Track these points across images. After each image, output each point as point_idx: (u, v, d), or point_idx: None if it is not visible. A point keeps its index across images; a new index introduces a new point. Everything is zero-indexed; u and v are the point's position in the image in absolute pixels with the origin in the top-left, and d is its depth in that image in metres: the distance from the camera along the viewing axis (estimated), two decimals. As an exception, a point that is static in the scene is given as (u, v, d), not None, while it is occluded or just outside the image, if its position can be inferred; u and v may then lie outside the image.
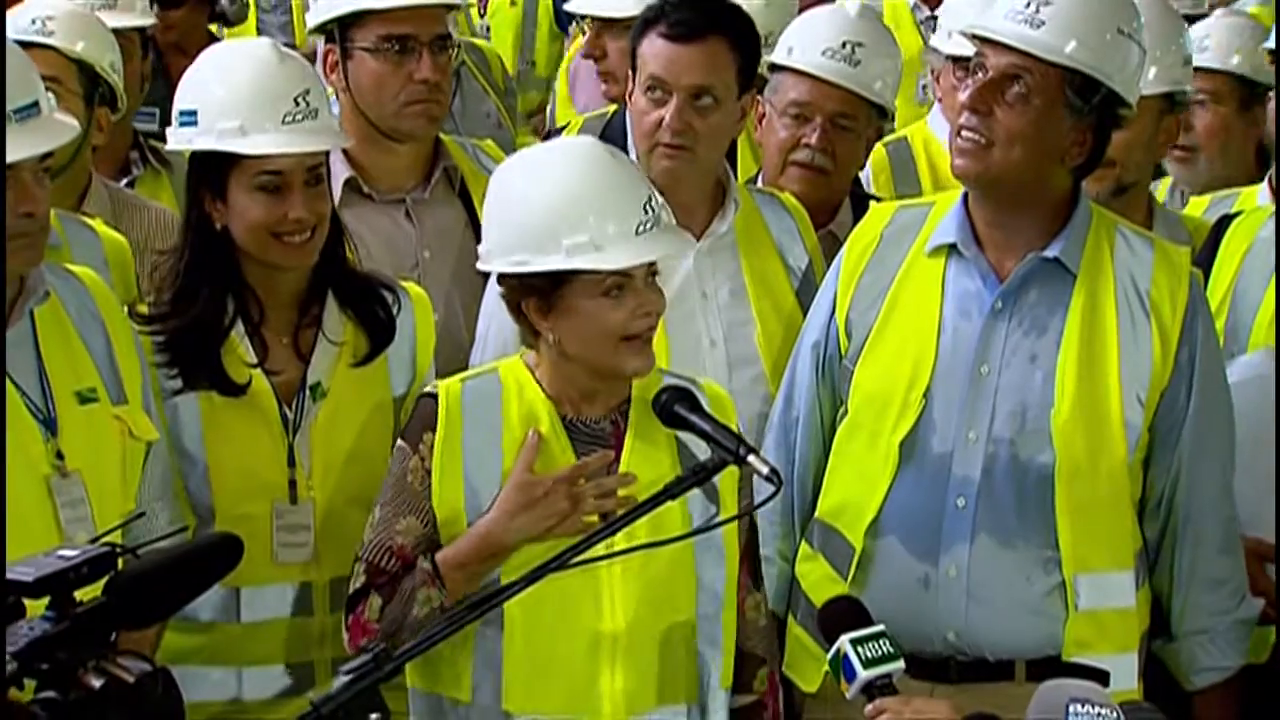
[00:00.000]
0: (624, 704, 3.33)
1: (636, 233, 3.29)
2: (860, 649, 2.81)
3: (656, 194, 3.37)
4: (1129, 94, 3.61)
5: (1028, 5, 3.54)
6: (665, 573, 3.34)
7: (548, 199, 3.34)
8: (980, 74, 3.56)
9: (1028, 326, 3.63)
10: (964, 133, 3.56)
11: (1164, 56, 4.28)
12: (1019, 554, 3.60)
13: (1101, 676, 3.57)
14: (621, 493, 3.33)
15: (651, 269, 3.32)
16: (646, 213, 3.30)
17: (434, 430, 3.42)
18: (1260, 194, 4.59)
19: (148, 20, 5.25)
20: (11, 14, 4.53)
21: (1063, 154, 3.59)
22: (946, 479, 3.61)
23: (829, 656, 2.84)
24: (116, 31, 4.86)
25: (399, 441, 3.49)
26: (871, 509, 3.64)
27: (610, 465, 3.38)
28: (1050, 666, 3.57)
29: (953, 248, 3.66)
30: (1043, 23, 3.52)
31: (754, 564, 3.53)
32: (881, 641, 2.82)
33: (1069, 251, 3.63)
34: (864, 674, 2.80)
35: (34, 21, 4.45)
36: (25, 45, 4.02)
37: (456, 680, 3.42)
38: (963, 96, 3.58)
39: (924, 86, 5.92)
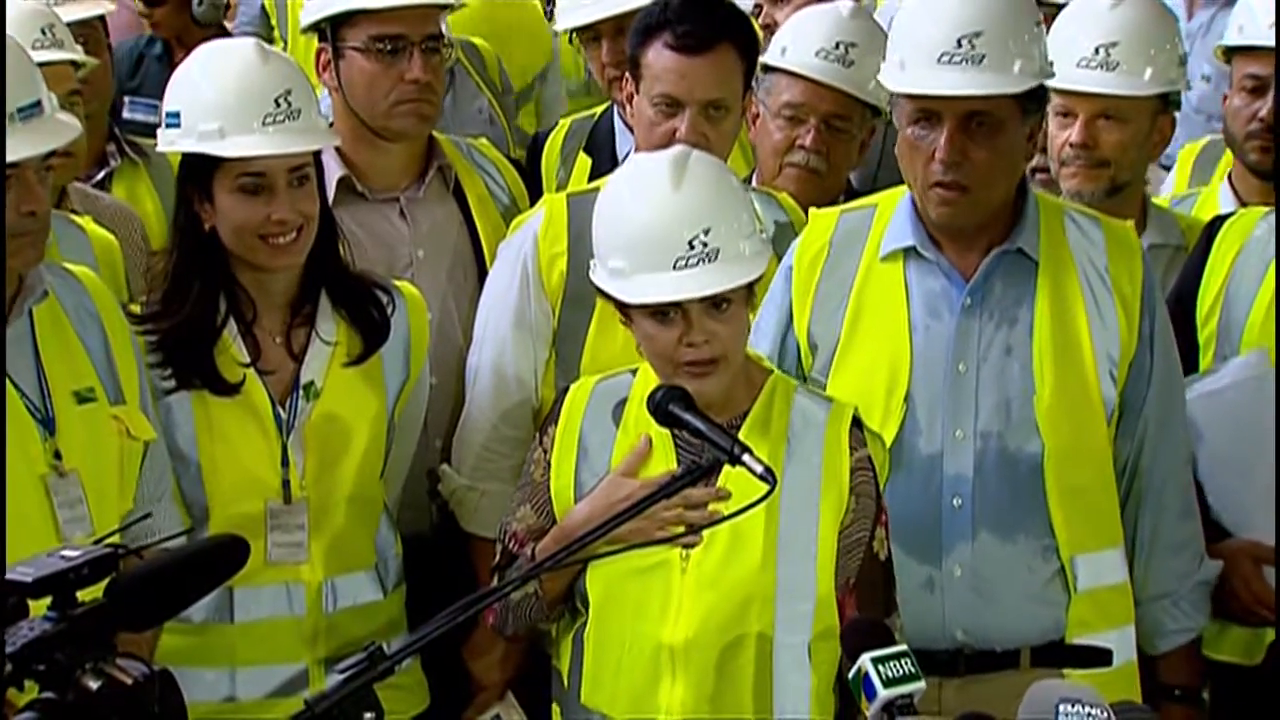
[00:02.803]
0: (680, 716, 3.29)
1: (674, 267, 3.23)
2: (881, 668, 2.80)
3: (720, 226, 3.26)
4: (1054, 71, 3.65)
5: (959, 44, 3.50)
6: (738, 592, 3.29)
7: (604, 214, 3.38)
8: (937, 122, 3.52)
9: (999, 319, 3.64)
10: (940, 187, 3.54)
11: (1158, 56, 4.28)
12: (1019, 545, 3.61)
13: (1104, 656, 3.63)
14: (712, 507, 3.29)
15: (713, 299, 3.25)
16: (692, 248, 3.23)
17: (557, 424, 3.43)
18: (1221, 193, 4.60)
19: (110, 7, 5.23)
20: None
21: (1026, 157, 3.63)
22: (939, 480, 3.61)
23: (850, 675, 2.84)
24: (84, 22, 4.85)
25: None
26: None
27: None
28: (1054, 650, 3.62)
29: (910, 250, 3.66)
30: (983, 57, 3.50)
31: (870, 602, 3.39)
32: (903, 661, 2.81)
33: (1028, 240, 3.65)
34: (884, 693, 2.79)
35: (44, 32, 4.41)
36: (51, 63, 4.09)
37: (562, 663, 3.46)
38: (937, 151, 3.51)
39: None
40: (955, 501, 3.61)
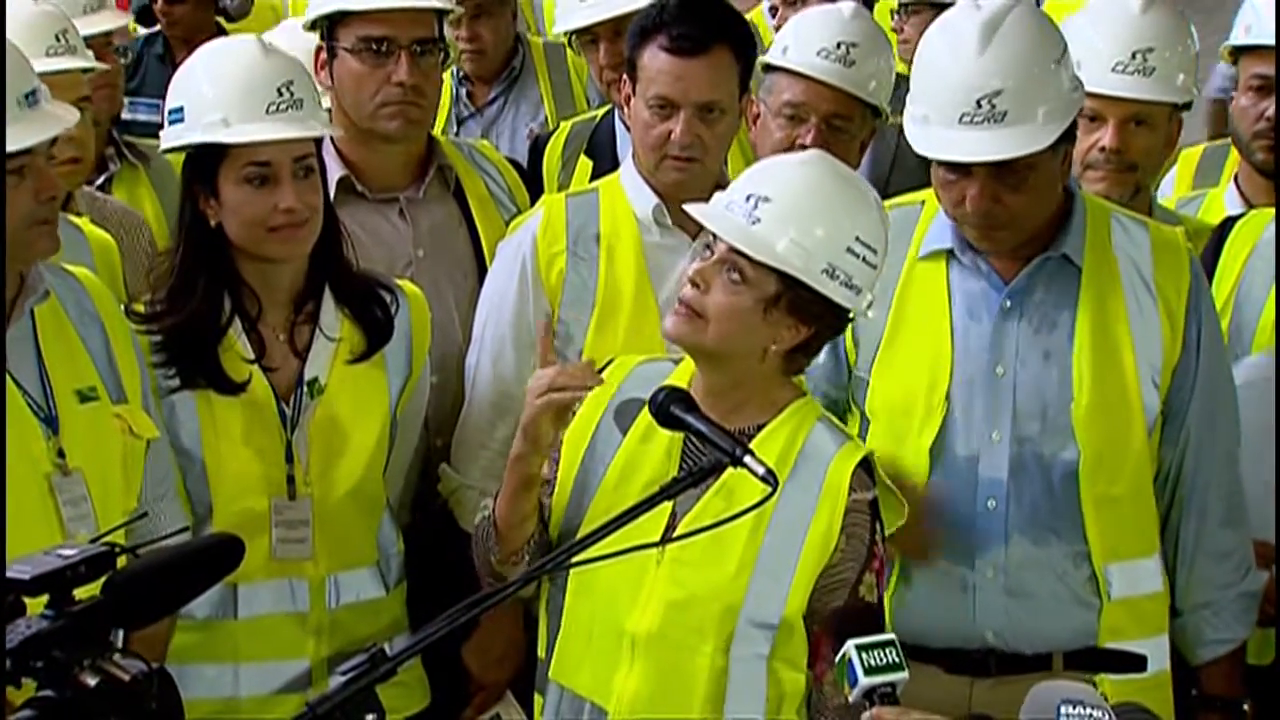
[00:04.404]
0: (629, 705, 3.28)
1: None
2: (864, 655, 2.81)
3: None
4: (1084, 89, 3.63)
5: (979, 104, 3.45)
6: (705, 594, 3.26)
7: None
8: (966, 172, 3.49)
9: (1038, 324, 3.62)
10: (977, 223, 3.53)
11: (1172, 59, 4.25)
12: (1052, 550, 3.61)
13: (1139, 662, 3.63)
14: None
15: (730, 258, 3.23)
16: (749, 204, 3.24)
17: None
18: (1227, 195, 4.60)
19: (127, 19, 5.26)
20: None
21: (1062, 177, 3.60)
22: (975, 481, 3.60)
23: (836, 660, 2.85)
24: (107, 33, 4.86)
25: None
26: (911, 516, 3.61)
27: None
28: (1087, 656, 3.62)
29: (951, 252, 3.65)
30: (1005, 114, 3.44)
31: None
32: (888, 650, 2.82)
33: (1074, 246, 3.63)
34: (865, 680, 2.81)
35: (57, 39, 4.41)
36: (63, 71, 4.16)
37: (540, 635, 3.45)
38: (969, 201, 3.49)
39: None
40: (990, 504, 3.61)
